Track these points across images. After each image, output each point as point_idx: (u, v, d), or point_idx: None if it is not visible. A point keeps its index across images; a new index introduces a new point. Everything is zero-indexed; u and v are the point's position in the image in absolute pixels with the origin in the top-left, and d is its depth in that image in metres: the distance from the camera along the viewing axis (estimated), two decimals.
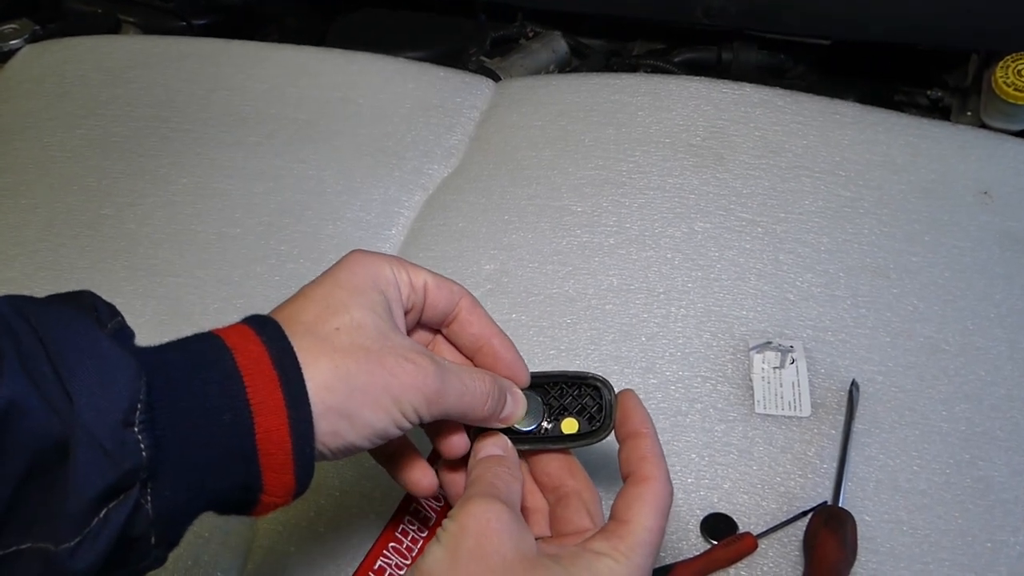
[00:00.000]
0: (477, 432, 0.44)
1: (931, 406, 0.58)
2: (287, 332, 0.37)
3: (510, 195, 0.74)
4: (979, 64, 0.87)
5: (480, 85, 0.88)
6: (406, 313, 0.43)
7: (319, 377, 0.37)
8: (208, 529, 0.57)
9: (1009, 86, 0.79)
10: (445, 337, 0.46)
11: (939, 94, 0.92)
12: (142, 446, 0.32)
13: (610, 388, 0.45)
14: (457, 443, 0.44)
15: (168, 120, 0.87)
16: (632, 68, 0.95)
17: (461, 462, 0.45)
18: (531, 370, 0.46)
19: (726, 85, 0.80)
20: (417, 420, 0.40)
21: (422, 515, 0.43)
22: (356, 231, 0.74)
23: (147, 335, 0.37)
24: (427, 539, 0.44)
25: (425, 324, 0.45)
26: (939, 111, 0.91)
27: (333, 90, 0.87)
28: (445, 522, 0.38)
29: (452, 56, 0.99)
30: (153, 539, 0.34)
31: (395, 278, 0.42)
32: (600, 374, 0.45)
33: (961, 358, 0.60)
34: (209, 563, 0.57)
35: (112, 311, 0.37)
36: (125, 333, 0.37)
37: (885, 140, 0.74)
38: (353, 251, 0.43)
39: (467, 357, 0.46)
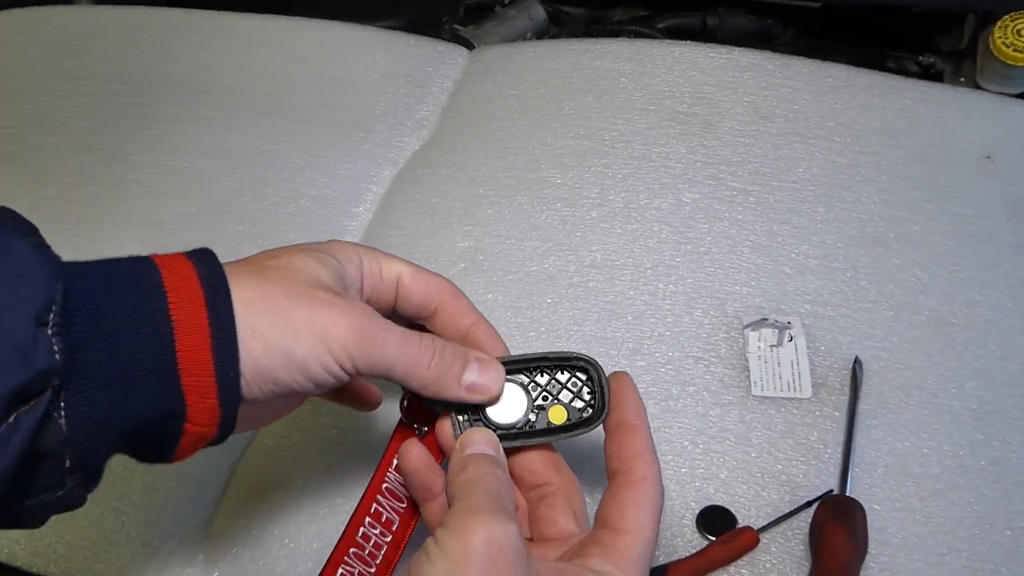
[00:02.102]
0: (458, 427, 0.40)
1: (940, 383, 0.54)
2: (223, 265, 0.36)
3: (485, 167, 0.70)
4: (975, 25, 0.83)
5: (453, 53, 0.83)
6: (367, 301, 0.40)
7: (238, 293, 0.35)
8: (159, 538, 0.52)
9: (1008, 47, 0.75)
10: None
11: (931, 59, 0.89)
12: (55, 348, 0.30)
13: (599, 368, 0.41)
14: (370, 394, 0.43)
15: (120, 94, 0.82)
16: (613, 35, 0.91)
17: (427, 450, 0.40)
18: (509, 355, 0.42)
19: (713, 49, 0.76)
20: (351, 366, 0.36)
21: (385, 517, 0.38)
22: (320, 209, 0.69)
23: None
24: (392, 546, 0.39)
25: (401, 316, 0.42)
26: (930, 78, 0.87)
27: (296, 60, 0.82)
28: (442, 536, 0.33)
29: (424, 25, 0.95)
30: (68, 462, 0.31)
31: (360, 260, 0.40)
32: (586, 353, 0.41)
33: (970, 332, 0.56)
34: None
35: (33, 230, 0.33)
36: (47, 250, 0.33)
37: (880, 104, 0.71)
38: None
39: None
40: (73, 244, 0.69)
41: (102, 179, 0.74)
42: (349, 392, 0.47)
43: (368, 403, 0.48)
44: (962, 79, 0.83)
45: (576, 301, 0.60)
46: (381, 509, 0.39)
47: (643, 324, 0.58)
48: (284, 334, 0.35)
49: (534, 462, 0.40)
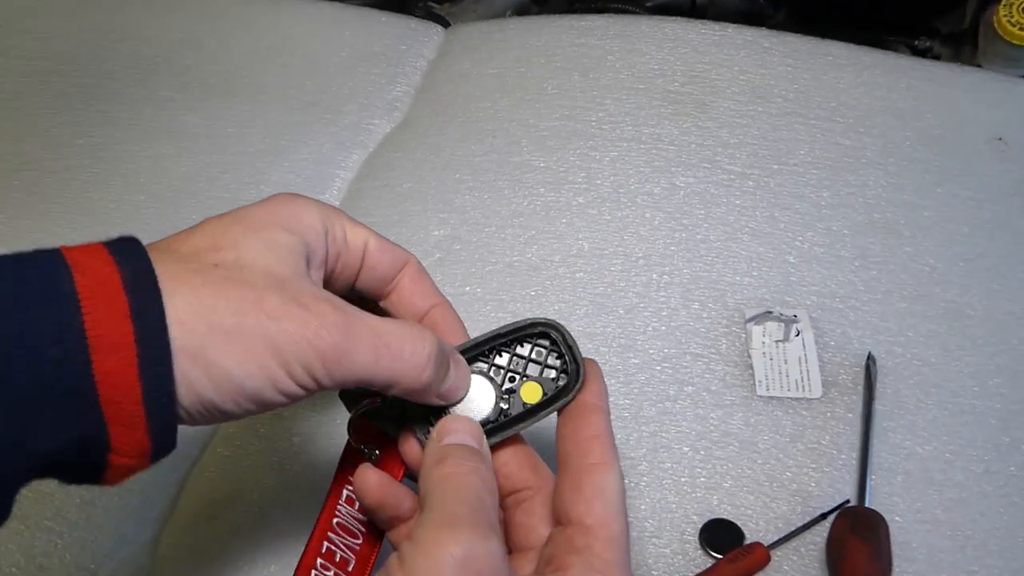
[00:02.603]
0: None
1: (960, 381, 0.50)
2: (151, 256, 0.29)
3: (462, 151, 0.65)
4: (977, 5, 0.79)
5: (427, 31, 0.78)
6: (331, 272, 0.35)
7: (172, 307, 0.29)
8: (96, 561, 0.47)
9: (1014, 25, 0.71)
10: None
11: (928, 43, 0.85)
12: None
13: (560, 328, 0.36)
14: None
15: (65, 74, 0.76)
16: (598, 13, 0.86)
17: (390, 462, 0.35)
18: (457, 343, 0.36)
19: (705, 26, 0.72)
20: (313, 384, 0.30)
21: (339, 557, 0.33)
22: None
23: None
24: None
25: (361, 291, 0.37)
26: None
27: (259, 38, 0.77)
28: (408, 553, 0.28)
29: (396, 5, 0.89)
30: None
31: (323, 227, 0.34)
32: (541, 316, 0.36)
33: (989, 324, 0.52)
34: None
35: None
36: None
37: (885, 83, 0.67)
38: (283, 192, 0.35)
39: None
40: (7, 233, 0.64)
41: (43, 164, 0.68)
42: None
43: None
44: (961, 63, 0.80)
45: (562, 293, 0.56)
46: (333, 548, 0.34)
47: (636, 318, 0.54)
48: (231, 359, 0.29)
49: (508, 464, 0.35)
